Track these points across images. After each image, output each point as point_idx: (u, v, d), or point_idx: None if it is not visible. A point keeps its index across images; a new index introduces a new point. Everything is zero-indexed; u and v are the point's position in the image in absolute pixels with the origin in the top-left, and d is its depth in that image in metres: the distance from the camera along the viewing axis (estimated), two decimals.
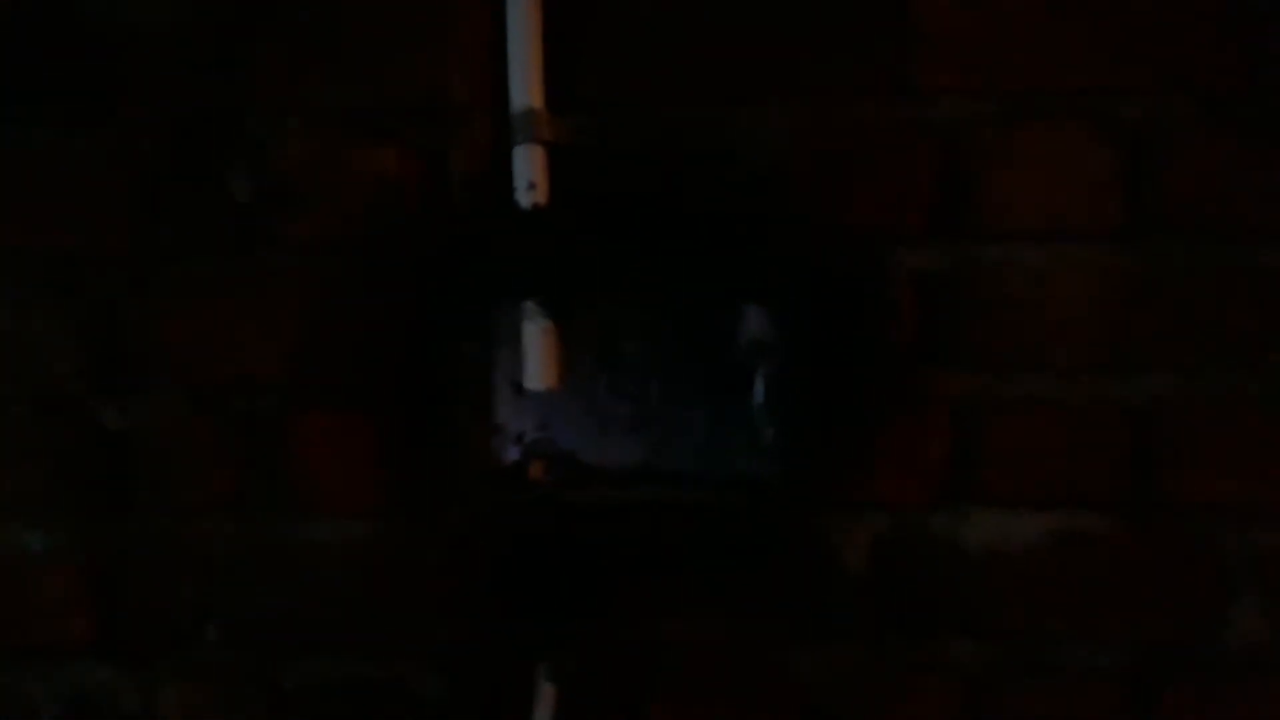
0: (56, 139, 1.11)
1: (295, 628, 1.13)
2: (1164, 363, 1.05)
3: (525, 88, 1.05)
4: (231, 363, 1.12)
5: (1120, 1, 1.03)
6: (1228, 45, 1.02)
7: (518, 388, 1.09)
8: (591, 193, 1.08)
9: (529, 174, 1.05)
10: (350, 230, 1.10)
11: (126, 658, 1.15)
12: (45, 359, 1.13)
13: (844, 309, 1.07)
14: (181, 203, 1.11)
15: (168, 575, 1.14)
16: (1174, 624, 1.07)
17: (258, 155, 1.10)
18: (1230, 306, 1.04)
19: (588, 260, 1.08)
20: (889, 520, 1.08)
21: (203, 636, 1.14)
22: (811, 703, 1.09)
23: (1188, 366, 1.05)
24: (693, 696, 1.11)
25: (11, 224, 1.13)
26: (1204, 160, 1.04)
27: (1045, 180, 1.05)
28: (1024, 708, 1.07)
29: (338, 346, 1.11)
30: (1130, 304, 1.05)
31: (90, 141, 1.11)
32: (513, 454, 1.11)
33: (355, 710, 1.13)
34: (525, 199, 1.06)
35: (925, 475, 1.08)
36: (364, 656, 1.13)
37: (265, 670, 1.14)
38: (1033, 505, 1.07)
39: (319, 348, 1.11)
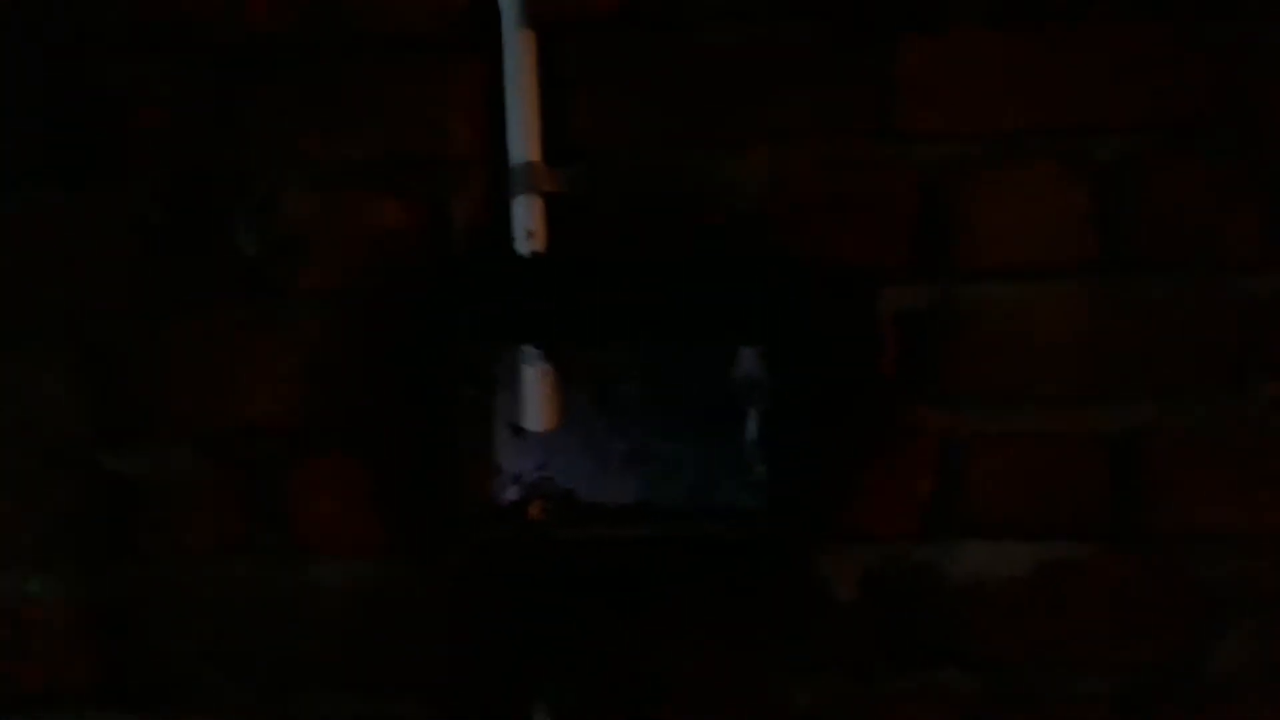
0: (64, 197, 1.15)
1: (297, 668, 1.16)
2: (1144, 393, 1.09)
3: (523, 141, 1.10)
4: (236, 410, 1.15)
5: (1091, 41, 1.08)
6: (1196, 79, 1.07)
7: (517, 429, 1.13)
8: (587, 239, 1.12)
9: (527, 223, 1.10)
10: (354, 279, 1.13)
11: (129, 702, 1.17)
12: (53, 407, 1.16)
13: (831, 347, 1.11)
14: (188, 256, 1.15)
15: (171, 619, 1.16)
16: (1159, 651, 1.10)
17: (262, 209, 1.14)
18: (1207, 335, 1.08)
19: (584, 305, 1.12)
20: (877, 552, 1.12)
21: (205, 679, 1.16)
22: None
23: (1168, 396, 1.09)
24: None
25: (21, 279, 1.16)
26: (1176, 192, 1.08)
27: (1023, 218, 1.09)
28: None
29: (341, 392, 1.14)
30: (1109, 336, 1.09)
31: (97, 199, 1.15)
32: (512, 493, 1.15)
33: None
34: (524, 247, 1.10)
35: (912, 508, 1.11)
36: (365, 695, 1.15)
37: (268, 711, 1.15)
38: (1018, 535, 1.11)
39: (322, 393, 1.14)
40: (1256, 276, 1.08)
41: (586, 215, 1.11)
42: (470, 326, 1.12)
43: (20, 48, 1.14)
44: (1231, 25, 1.07)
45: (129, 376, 1.16)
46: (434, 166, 1.12)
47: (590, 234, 1.12)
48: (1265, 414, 1.08)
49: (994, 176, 1.10)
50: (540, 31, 1.09)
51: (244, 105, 1.14)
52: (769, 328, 1.12)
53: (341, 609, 1.15)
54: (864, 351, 1.11)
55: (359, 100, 1.13)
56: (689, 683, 1.13)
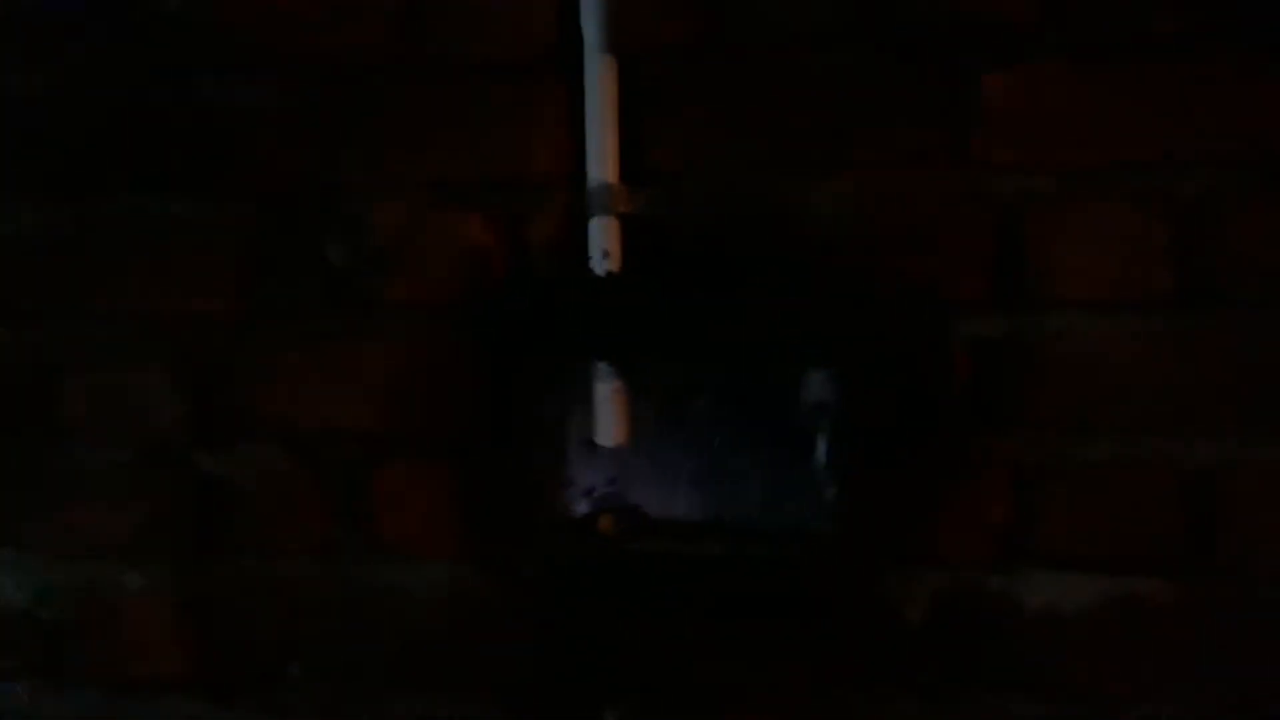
0: (169, 208, 1.21)
1: (377, 667, 1.20)
2: (1221, 428, 1.08)
3: (602, 163, 1.13)
4: (323, 415, 1.20)
5: (1173, 76, 1.07)
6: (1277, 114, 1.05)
7: (590, 444, 1.15)
8: (662, 261, 1.14)
9: (603, 243, 1.12)
10: (437, 293, 1.17)
11: (217, 693, 1.23)
12: (151, 409, 1.22)
13: (905, 373, 1.11)
14: (282, 267, 1.20)
15: (257, 615, 1.22)
16: (1231, 689, 1.08)
17: (353, 224, 1.18)
18: None
19: (657, 324, 1.14)
20: (948, 578, 1.12)
21: (287, 674, 1.21)
22: None
23: (1245, 431, 1.07)
24: None
25: (127, 285, 1.23)
26: (1257, 228, 1.06)
27: (1100, 252, 1.09)
28: None
29: (423, 401, 1.18)
30: (1186, 370, 1.08)
31: (199, 211, 1.21)
32: (584, 507, 1.18)
33: None
34: (600, 266, 1.13)
35: (984, 535, 1.11)
36: (442, 695, 1.19)
37: (345, 707, 1.20)
38: (1090, 567, 1.10)
39: (405, 402, 1.18)
40: None
41: (662, 237, 1.14)
42: (546, 342, 1.15)
43: (134, 65, 1.20)
44: None
45: (225, 380, 1.21)
46: (516, 186, 1.16)
47: (665, 255, 1.14)
48: None
49: (1072, 210, 1.09)
50: (621, 56, 1.12)
51: (339, 124, 1.18)
52: (842, 352, 1.13)
53: (420, 611, 1.19)
54: (937, 379, 1.11)
55: (448, 121, 1.17)
56: (755, 699, 1.14)
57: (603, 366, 1.14)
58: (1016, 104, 1.09)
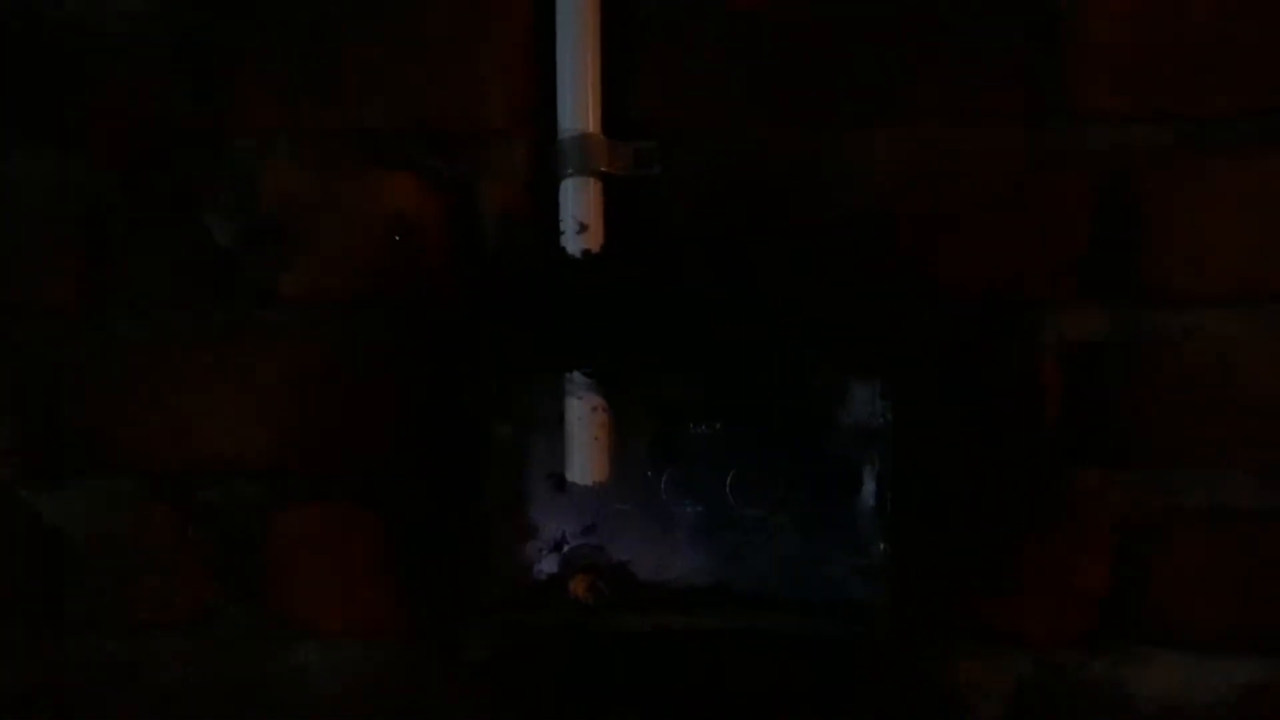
0: None
1: None
2: None
3: (577, 108, 0.88)
4: (202, 444, 0.95)
5: None
6: None
7: (558, 481, 0.93)
8: (655, 238, 0.91)
9: (579, 213, 0.89)
10: (355, 281, 0.92)
11: None
12: None
13: (975, 390, 0.89)
14: (146, 243, 0.94)
15: (112, 713, 0.97)
16: None
17: (241, 187, 0.92)
18: None
19: (650, 322, 0.91)
20: (1034, 663, 0.92)
21: None
22: None
23: None
24: None
25: None
26: None
27: (1237, 226, 0.87)
28: None
29: (337, 425, 0.94)
30: None
31: (36, 166, 0.94)
32: (550, 565, 0.95)
33: None
34: (574, 244, 0.89)
35: (1080, 606, 0.91)
36: None
37: None
38: (1224, 649, 0.90)
39: (313, 426, 0.94)
40: None
41: (654, 206, 0.90)
42: (502, 346, 0.92)
43: None
44: None
45: (68, 395, 0.95)
46: (461, 138, 0.90)
47: (659, 230, 0.90)
48: None
49: (1199, 171, 0.87)
50: None
51: (225, 54, 0.92)
52: (891, 360, 0.90)
53: (331, 706, 0.96)
54: (1020, 396, 0.89)
55: (370, 50, 0.91)
56: None
57: (577, 378, 0.91)
58: (1126, 30, 0.86)
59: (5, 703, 0.96)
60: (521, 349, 0.92)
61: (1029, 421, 0.89)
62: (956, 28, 0.88)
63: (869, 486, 0.90)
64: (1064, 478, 0.89)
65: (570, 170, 0.87)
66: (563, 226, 0.88)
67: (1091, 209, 0.87)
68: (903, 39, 0.88)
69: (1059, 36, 0.87)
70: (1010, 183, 0.88)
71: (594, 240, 0.88)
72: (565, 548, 0.94)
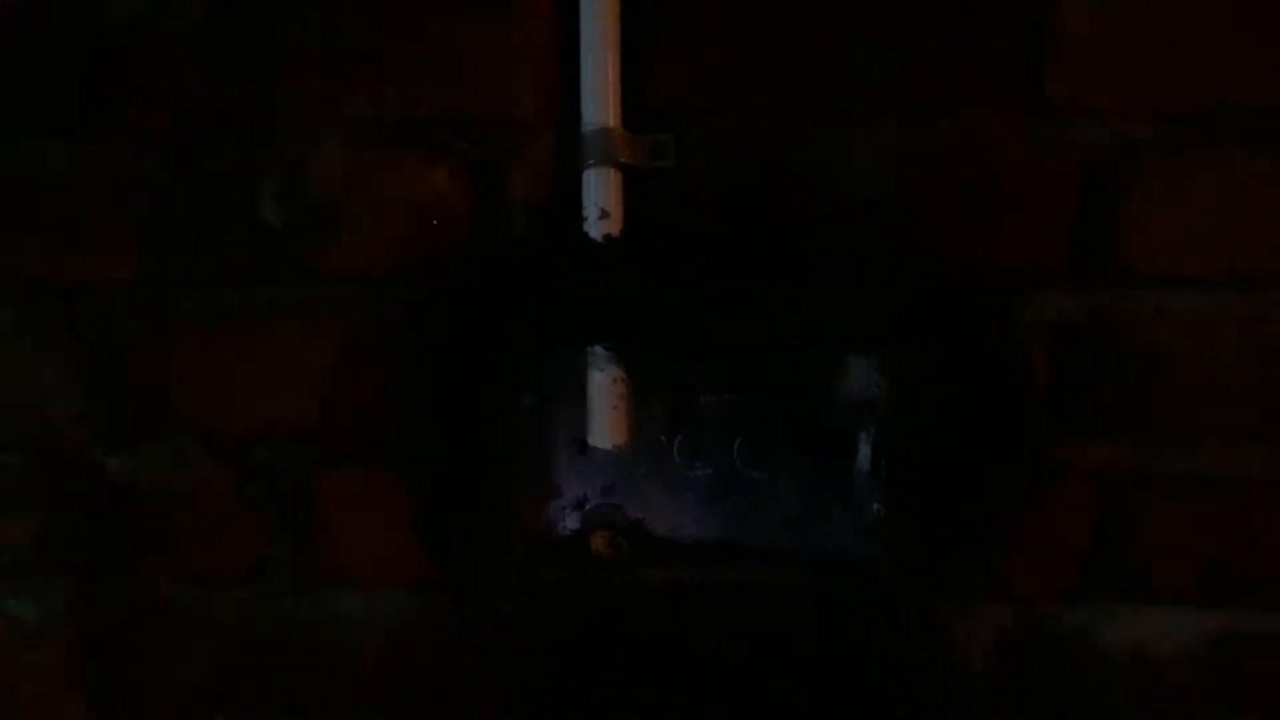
0: (61, 150, 1.01)
1: (317, 716, 1.04)
2: None
3: (599, 102, 0.95)
4: (254, 410, 1.02)
5: None
6: None
7: (581, 446, 1.00)
8: (672, 222, 0.97)
9: (601, 200, 0.95)
10: (394, 260, 0.99)
11: None
12: (41, 401, 1.03)
13: (964, 364, 0.96)
14: (201, 225, 1.01)
15: (175, 652, 1.05)
16: None
17: (290, 173, 1.00)
18: None
19: (666, 300, 0.97)
20: (1018, 614, 0.98)
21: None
22: None
23: None
24: None
25: (13, 249, 1.02)
26: None
27: (1212, 216, 0.93)
28: None
29: (376, 394, 1.00)
30: None
31: (99, 154, 1.01)
32: (572, 523, 1.02)
33: None
34: (596, 229, 0.96)
35: (1062, 563, 0.97)
36: None
37: None
38: (1191, 601, 0.97)
39: (354, 394, 1.01)
40: None
41: (672, 193, 0.96)
42: (529, 322, 0.98)
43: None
44: None
45: (134, 366, 1.02)
46: (492, 129, 0.97)
47: (676, 216, 0.97)
48: None
49: (1176, 164, 0.93)
50: None
51: (275, 50, 0.99)
52: (889, 335, 0.97)
53: (372, 648, 1.03)
54: (1006, 369, 0.95)
55: (409, 47, 0.97)
56: None
57: (598, 352, 0.97)
58: (1106, 32, 0.92)
59: (80, 644, 1.04)
60: (547, 325, 0.98)
61: (1016, 393, 0.95)
62: (954, 27, 0.94)
63: (865, 452, 0.96)
64: (1047, 446, 0.95)
65: (592, 161, 0.94)
66: (586, 213, 0.95)
67: (1077, 196, 0.94)
68: (903, 37, 0.94)
69: (1048, 37, 0.93)
70: (1001, 173, 0.94)
71: (614, 226, 0.95)
72: (586, 506, 1.01)
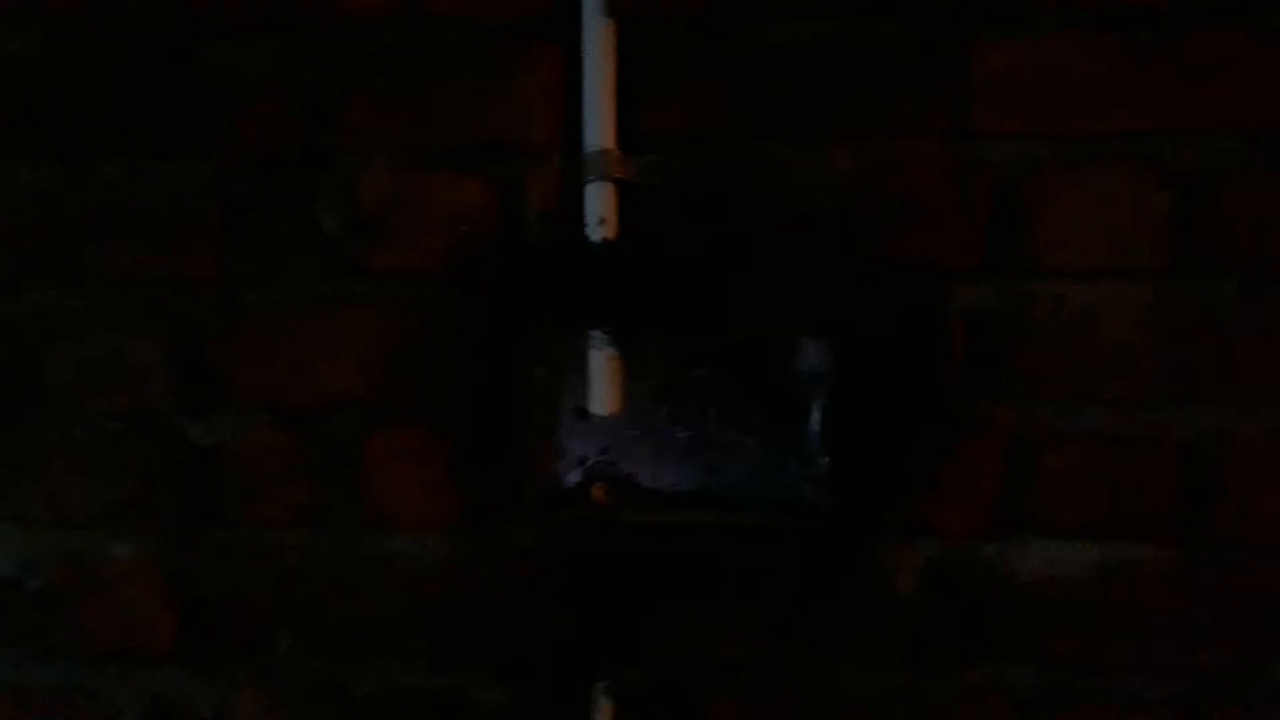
0: (158, 171, 1.21)
1: (365, 637, 1.20)
2: (1216, 397, 1.10)
3: (599, 129, 1.14)
4: (313, 384, 1.20)
5: (1173, 46, 1.09)
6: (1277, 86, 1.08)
7: (582, 413, 1.16)
8: (658, 228, 1.15)
9: (600, 210, 1.13)
10: (430, 260, 1.18)
11: (203, 664, 1.23)
12: (138, 377, 1.22)
13: (899, 342, 1.13)
14: (271, 232, 1.20)
15: (246, 585, 1.22)
16: (1223, 657, 1.11)
17: (345, 189, 1.19)
18: None
19: (652, 292, 1.15)
20: (941, 548, 1.14)
21: (276, 645, 1.21)
22: None
23: (1239, 401, 1.09)
24: (747, 714, 1.14)
25: (116, 250, 1.22)
26: (1255, 201, 1.09)
27: (1097, 219, 1.11)
28: None
29: (415, 370, 1.19)
30: (1182, 339, 1.10)
31: (189, 174, 1.21)
32: (576, 476, 1.18)
33: (419, 716, 1.18)
34: (595, 233, 1.13)
35: (978, 505, 1.13)
36: (430, 666, 1.19)
37: (335, 677, 1.20)
38: (1084, 536, 1.12)
39: (397, 371, 1.19)
40: None
41: (658, 204, 1.15)
42: (540, 309, 1.16)
43: (126, 26, 1.20)
44: None
45: (214, 348, 1.21)
46: (512, 151, 1.17)
47: (661, 223, 1.15)
48: None
49: (1068, 178, 1.11)
50: (620, 21, 1.13)
51: (333, 87, 1.19)
52: (838, 322, 1.14)
53: (414, 580, 1.19)
54: (932, 347, 1.13)
55: (444, 84, 1.17)
56: (748, 669, 1.16)
57: (597, 335, 1.14)
58: (1015, 72, 1.11)
59: (171, 577, 1.22)
60: (555, 312, 1.16)
61: (940, 366, 1.12)
62: (888, 66, 1.12)
63: (816, 416, 1.13)
64: (967, 408, 1.11)
65: (593, 177, 1.13)
66: (587, 220, 1.13)
67: (989, 204, 1.11)
68: (853, 79, 1.12)
69: (965, 74, 1.11)
70: (928, 185, 1.12)
71: (610, 230, 1.13)
72: (588, 463, 1.17)
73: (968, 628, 1.13)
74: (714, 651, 1.16)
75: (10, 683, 1.25)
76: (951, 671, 1.13)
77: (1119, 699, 1.11)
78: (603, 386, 1.15)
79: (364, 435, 1.19)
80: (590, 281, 1.15)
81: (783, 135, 1.14)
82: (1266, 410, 1.09)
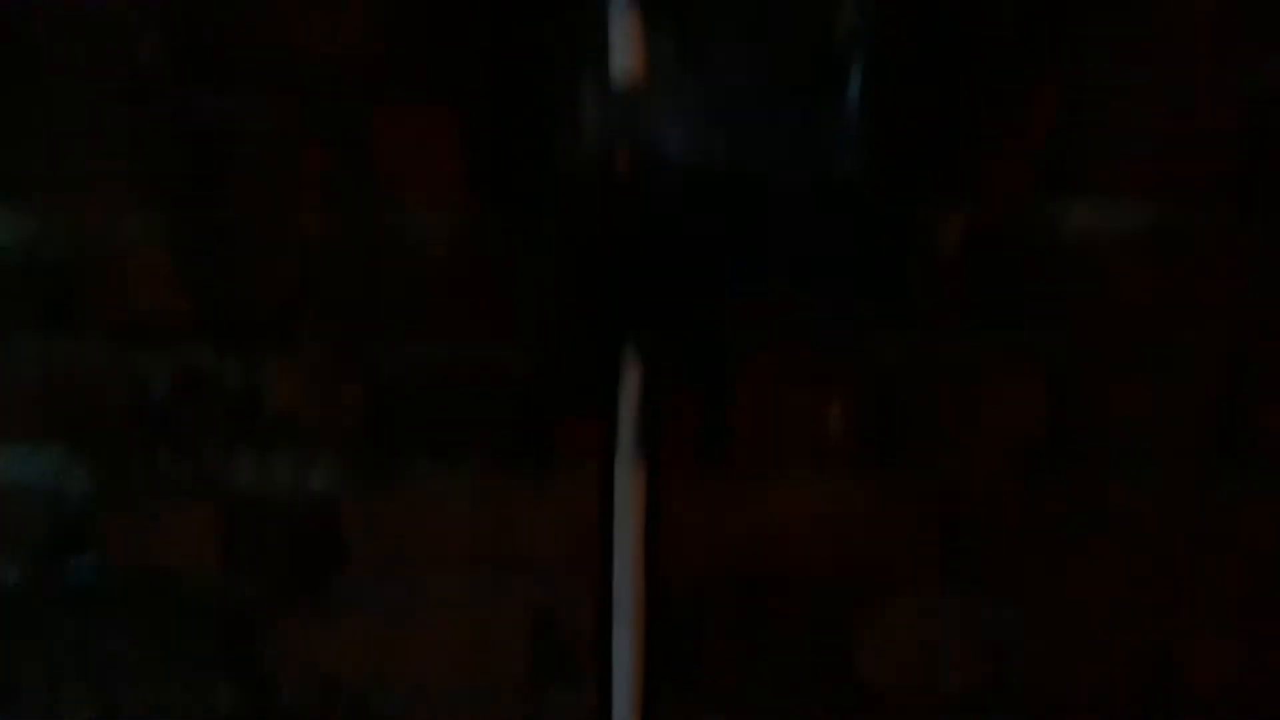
0: None
1: (389, 311, 1.19)
2: None
3: None
4: (317, 48, 1.12)
5: None
6: None
7: (604, 80, 1.08)
8: None
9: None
10: None
11: (221, 337, 1.22)
12: (134, 42, 1.13)
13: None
14: None
15: (263, 259, 1.19)
16: (1266, 330, 1.09)
17: None
18: None
19: None
20: (984, 207, 1.10)
21: (295, 320, 1.20)
22: (894, 387, 1.14)
23: None
24: (777, 376, 1.16)
25: None
26: None
27: None
28: (1107, 401, 1.11)
29: (425, 35, 1.10)
30: None
31: None
32: (601, 143, 1.11)
33: (449, 388, 1.20)
34: None
35: (1024, 163, 1.09)
36: (456, 338, 1.19)
37: (362, 350, 1.20)
38: (1134, 194, 1.08)
39: (405, 35, 1.10)
40: None
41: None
42: None
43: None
44: None
45: (213, 9, 1.12)
46: None
47: None
48: None
49: None
50: None
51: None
52: None
53: (435, 253, 1.17)
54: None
55: None
56: (777, 332, 1.16)
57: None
58: None
59: (178, 258, 1.18)
60: None
61: (993, 21, 1.03)
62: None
63: (855, 79, 1.05)
64: (1018, 62, 1.05)
65: None
66: None
67: None
68: None
69: None
70: None
71: None
72: (610, 130, 1.09)
73: (1006, 292, 1.12)
74: (744, 313, 1.15)
75: (35, 357, 1.25)
76: (985, 334, 1.13)
77: (1153, 367, 1.11)
78: (625, 51, 1.06)
79: (374, 105, 1.12)
80: None
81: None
82: None
